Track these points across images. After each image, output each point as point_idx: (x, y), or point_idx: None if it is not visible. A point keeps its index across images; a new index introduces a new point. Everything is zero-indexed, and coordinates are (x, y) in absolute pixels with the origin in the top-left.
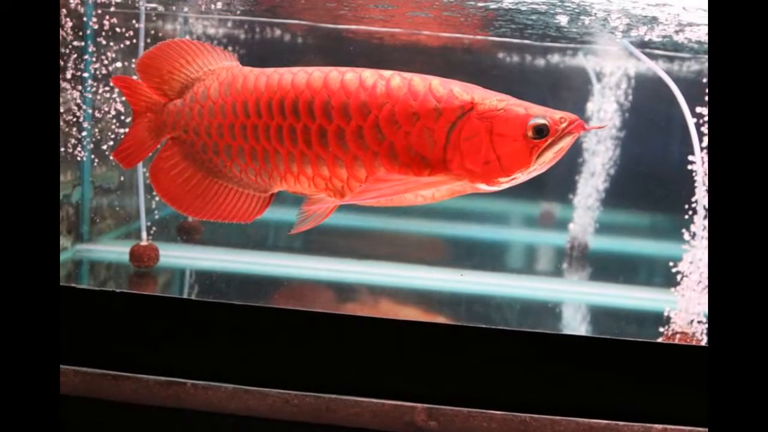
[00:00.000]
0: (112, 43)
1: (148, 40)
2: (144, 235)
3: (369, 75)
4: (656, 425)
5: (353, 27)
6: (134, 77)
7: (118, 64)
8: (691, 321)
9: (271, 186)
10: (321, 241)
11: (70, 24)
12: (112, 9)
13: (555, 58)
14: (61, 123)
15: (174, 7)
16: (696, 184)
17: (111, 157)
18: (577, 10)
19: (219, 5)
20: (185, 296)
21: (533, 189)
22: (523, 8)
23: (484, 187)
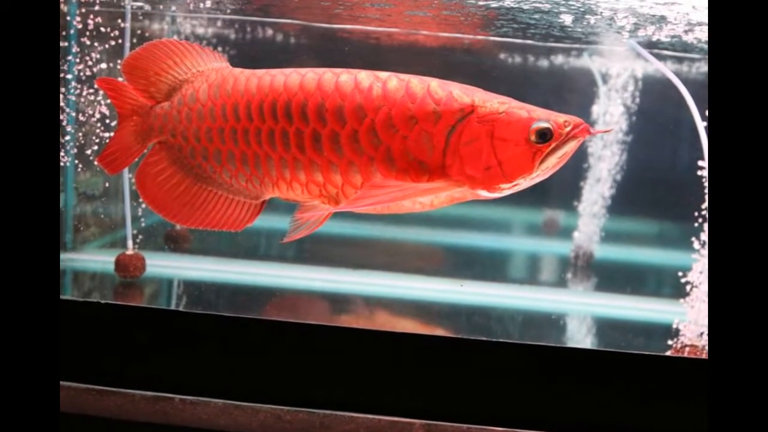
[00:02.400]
0: (96, 44)
1: (135, 41)
2: (130, 243)
3: (365, 77)
4: None
5: (348, 26)
6: (120, 79)
7: (103, 66)
8: (701, 333)
9: (262, 192)
10: (315, 250)
11: None
12: (97, 8)
13: (559, 59)
14: None
15: (161, 6)
16: (706, 191)
17: (95, 163)
18: (582, 9)
19: (208, 4)
20: (173, 308)
21: (536, 196)
22: (526, 7)
23: (484, 194)
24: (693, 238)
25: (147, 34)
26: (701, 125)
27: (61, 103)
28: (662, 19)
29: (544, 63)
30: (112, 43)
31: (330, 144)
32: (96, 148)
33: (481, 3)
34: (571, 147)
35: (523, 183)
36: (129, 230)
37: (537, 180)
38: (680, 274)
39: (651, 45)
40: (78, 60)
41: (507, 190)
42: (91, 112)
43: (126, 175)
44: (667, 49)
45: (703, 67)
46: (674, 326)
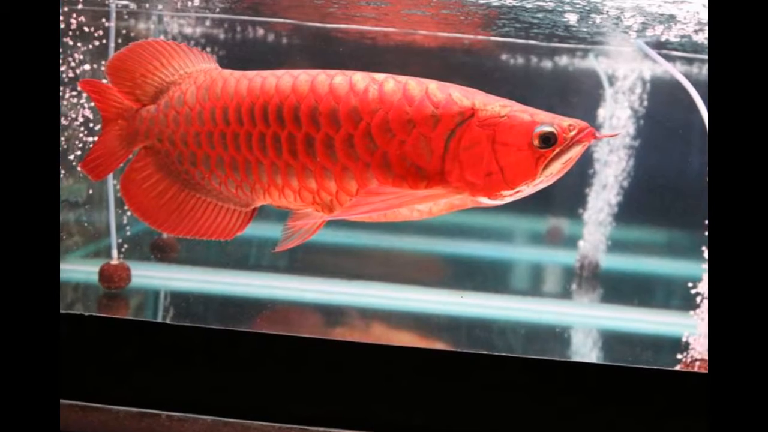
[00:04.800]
0: (80, 44)
1: (120, 41)
2: (114, 253)
3: (360, 78)
4: None
5: (343, 26)
6: (104, 81)
7: (87, 67)
8: None
9: (253, 200)
10: (308, 260)
11: None
12: (80, 6)
13: (563, 60)
14: None
15: (147, 5)
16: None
17: (79, 168)
18: (587, 8)
19: (196, 2)
20: (159, 320)
21: (540, 203)
22: (529, 5)
23: (485, 201)
24: (703, 248)
25: (132, 34)
26: None
27: None
28: (671, 18)
29: (547, 64)
30: (96, 43)
31: (324, 149)
32: (79, 153)
33: (481, 1)
34: (575, 152)
35: (526, 190)
36: (114, 239)
37: (540, 186)
38: (690, 284)
39: (659, 45)
40: (60, 61)
41: (509, 197)
42: (74, 116)
43: (111, 181)
44: (676, 49)
45: None
46: (684, 339)
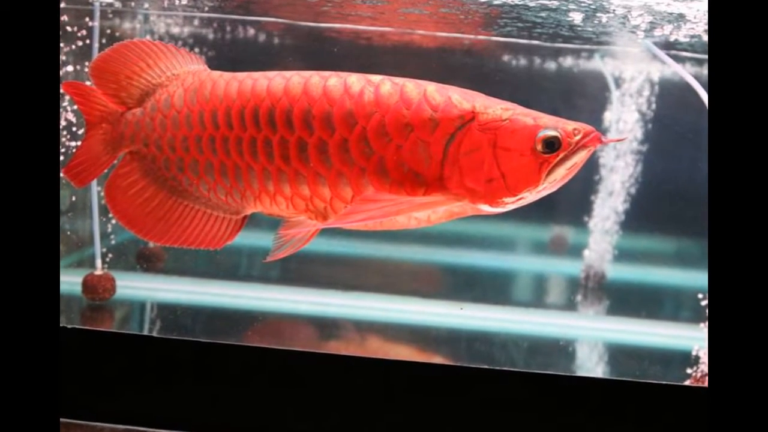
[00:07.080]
0: (62, 44)
1: (104, 41)
2: (99, 263)
3: (355, 80)
4: None
5: (337, 25)
6: (87, 83)
7: (70, 68)
8: None
9: (243, 207)
10: (301, 270)
11: None
12: (63, 5)
13: (568, 61)
14: None
15: (133, 3)
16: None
17: (61, 174)
18: (593, 7)
19: (184, 1)
20: (145, 333)
21: (543, 210)
22: (532, 4)
23: (486, 209)
24: None
25: (117, 34)
26: None
27: None
28: (680, 17)
29: (551, 65)
30: (80, 43)
31: (317, 154)
32: (62, 158)
33: (482, 0)
34: (581, 157)
35: (529, 196)
36: (98, 248)
37: (544, 193)
38: (700, 296)
39: (668, 46)
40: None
41: (511, 204)
42: None
43: (95, 187)
44: (686, 50)
45: None
46: (694, 353)
